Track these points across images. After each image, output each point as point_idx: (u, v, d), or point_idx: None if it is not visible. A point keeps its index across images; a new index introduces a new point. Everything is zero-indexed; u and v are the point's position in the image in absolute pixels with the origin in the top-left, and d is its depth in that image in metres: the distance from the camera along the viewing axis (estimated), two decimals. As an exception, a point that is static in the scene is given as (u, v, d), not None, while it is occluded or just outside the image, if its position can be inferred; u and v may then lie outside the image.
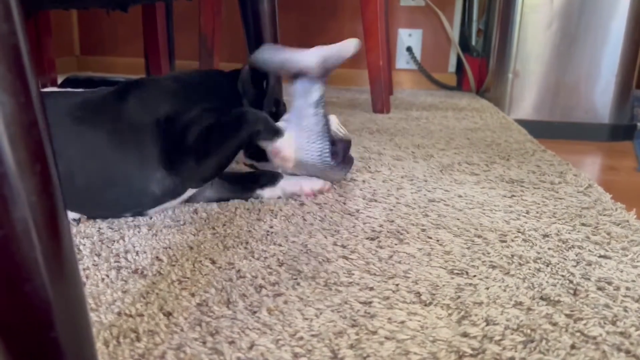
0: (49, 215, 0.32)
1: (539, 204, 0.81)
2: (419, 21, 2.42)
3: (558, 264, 0.60)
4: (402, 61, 2.47)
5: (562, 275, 0.57)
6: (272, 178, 0.81)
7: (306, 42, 2.58)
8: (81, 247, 0.62)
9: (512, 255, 0.62)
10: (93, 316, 0.48)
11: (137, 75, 2.33)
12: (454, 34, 2.41)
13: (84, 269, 0.57)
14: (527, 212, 0.77)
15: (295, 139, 0.78)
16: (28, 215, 0.31)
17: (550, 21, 1.85)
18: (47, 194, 0.32)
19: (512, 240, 0.67)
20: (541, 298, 0.53)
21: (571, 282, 0.56)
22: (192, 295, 0.52)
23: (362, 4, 1.66)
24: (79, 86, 2.10)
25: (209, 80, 0.84)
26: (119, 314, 0.49)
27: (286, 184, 0.81)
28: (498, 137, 1.34)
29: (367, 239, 0.67)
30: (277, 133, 0.78)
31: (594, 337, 0.46)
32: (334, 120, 0.85)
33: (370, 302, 0.51)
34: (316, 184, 0.82)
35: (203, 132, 0.71)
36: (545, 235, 0.69)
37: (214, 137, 0.72)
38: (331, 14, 2.45)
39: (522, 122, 1.73)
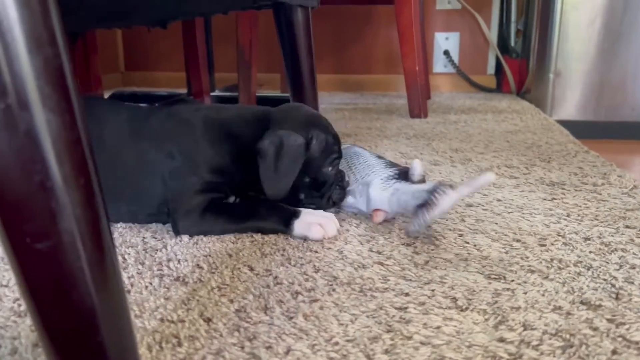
0: (93, 226, 0.34)
1: (580, 206, 0.79)
2: (455, 24, 2.40)
3: (600, 267, 0.59)
4: (439, 65, 2.45)
5: (604, 279, 0.56)
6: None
7: (341, 49, 2.60)
8: (126, 256, 0.65)
9: (552, 259, 0.61)
10: (137, 322, 0.50)
11: (179, 90, 2.40)
12: (492, 35, 2.38)
13: (128, 277, 0.59)
14: (568, 215, 0.76)
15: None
16: (74, 227, 0.33)
17: (592, 18, 1.80)
18: (91, 207, 0.34)
19: (552, 244, 0.66)
20: (581, 302, 0.52)
21: (613, 286, 0.55)
22: (231, 301, 0.54)
23: (397, 10, 1.66)
24: (123, 101, 2.18)
25: (244, 129, 0.75)
26: (161, 320, 0.50)
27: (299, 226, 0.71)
28: (539, 139, 1.31)
29: (403, 245, 0.67)
30: (286, 229, 0.70)
31: (637, 342, 0.45)
32: (418, 166, 0.76)
33: (406, 308, 0.52)
34: (330, 229, 0.71)
35: (207, 205, 0.71)
36: (587, 239, 0.67)
37: (214, 215, 0.71)
38: (366, 20, 2.46)
39: (565, 123, 1.69)
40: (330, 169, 0.75)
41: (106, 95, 2.15)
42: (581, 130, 1.73)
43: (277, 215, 0.71)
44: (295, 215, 0.70)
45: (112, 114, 0.76)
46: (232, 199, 0.77)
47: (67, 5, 0.74)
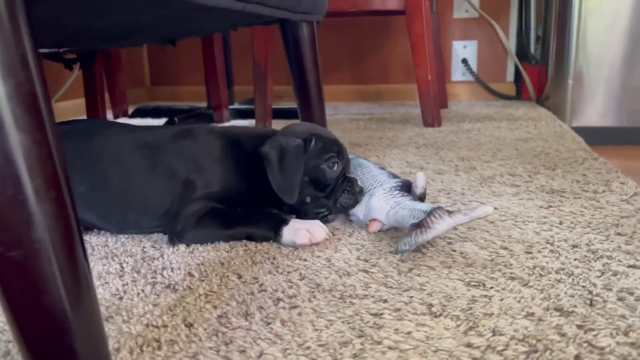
0: (64, 235, 0.37)
1: (575, 214, 0.79)
2: (473, 32, 2.40)
3: (581, 274, 0.59)
4: (458, 73, 2.45)
5: (583, 286, 0.56)
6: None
7: (359, 60, 2.62)
8: (124, 265, 0.68)
9: (535, 267, 0.62)
10: (124, 327, 0.53)
11: (200, 103, 2.45)
12: (510, 43, 2.36)
13: (123, 285, 0.62)
14: (561, 223, 0.76)
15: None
16: (45, 236, 0.36)
17: (611, 23, 1.78)
18: (62, 217, 0.37)
19: (539, 252, 0.66)
20: (555, 309, 0.52)
21: (590, 292, 0.55)
22: (215, 307, 0.56)
23: (408, 20, 1.67)
24: (147, 115, 2.24)
25: (251, 147, 0.79)
26: (146, 325, 0.53)
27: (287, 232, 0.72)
28: (549, 146, 1.30)
29: (390, 253, 0.69)
30: (275, 236, 0.73)
31: (602, 348, 0.45)
32: (422, 179, 0.77)
33: (381, 314, 0.53)
34: (317, 234, 0.72)
35: (205, 213, 0.74)
36: (575, 246, 0.67)
37: (210, 221, 0.74)
38: (383, 31, 2.48)
39: (585, 130, 1.67)
40: (328, 166, 0.78)
41: (130, 109, 2.22)
42: (602, 136, 1.71)
43: (267, 222, 0.74)
44: (285, 222, 0.73)
45: (123, 133, 0.81)
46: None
47: (75, 28, 0.79)
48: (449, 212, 0.66)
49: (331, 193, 0.78)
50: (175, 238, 0.74)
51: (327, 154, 0.78)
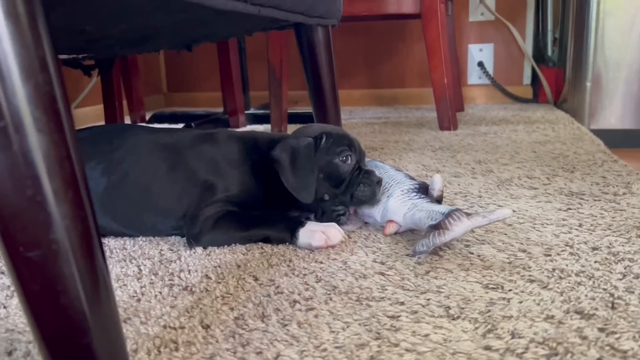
0: (82, 236, 0.37)
1: (595, 216, 0.78)
2: (489, 35, 2.39)
3: (602, 277, 0.58)
4: (474, 76, 2.43)
5: (604, 289, 0.55)
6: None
7: (375, 64, 2.62)
8: (142, 267, 0.69)
9: (554, 269, 0.61)
10: (141, 328, 0.53)
11: (216, 109, 2.47)
12: (527, 45, 2.35)
13: (141, 287, 0.63)
14: (580, 225, 0.75)
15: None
16: (63, 237, 0.36)
17: (630, 24, 1.76)
18: (80, 218, 0.37)
19: (558, 254, 0.65)
20: (575, 312, 0.51)
21: (612, 295, 0.54)
22: (231, 309, 0.56)
23: (424, 24, 1.67)
24: (164, 121, 2.26)
25: (266, 152, 0.79)
26: (164, 326, 0.53)
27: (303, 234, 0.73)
28: (567, 149, 1.29)
29: (407, 255, 0.68)
30: (291, 238, 0.73)
31: (625, 351, 0.44)
32: (439, 181, 0.76)
33: (398, 316, 0.53)
34: (333, 236, 0.72)
35: (222, 215, 0.75)
36: (595, 248, 0.66)
37: (227, 223, 0.74)
38: (399, 36, 2.47)
39: (604, 133, 1.65)
40: (341, 160, 0.77)
41: (148, 115, 2.25)
42: (621, 139, 1.68)
43: (284, 224, 0.74)
44: (301, 224, 0.73)
45: (143, 135, 0.82)
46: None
47: (93, 34, 0.80)
48: (467, 214, 0.66)
49: (347, 188, 0.77)
50: (192, 240, 0.75)
51: (339, 148, 0.77)
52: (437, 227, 0.66)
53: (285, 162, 0.75)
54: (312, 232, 0.71)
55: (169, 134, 0.84)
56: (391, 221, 0.76)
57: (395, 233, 0.76)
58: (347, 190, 0.77)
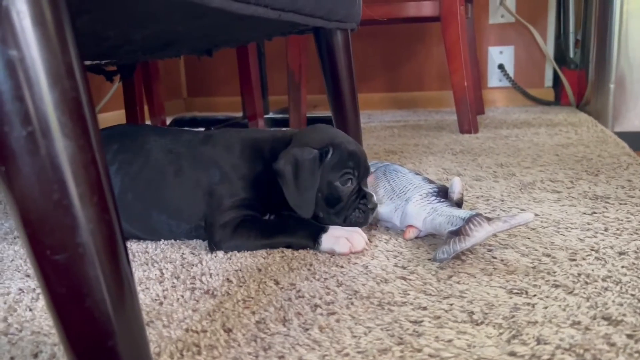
0: (107, 240, 0.38)
1: (621, 220, 0.77)
2: (509, 37, 2.36)
3: (629, 282, 0.57)
4: (494, 79, 2.41)
5: (632, 295, 0.54)
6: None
7: (393, 67, 2.61)
8: (164, 271, 0.69)
9: (579, 274, 0.60)
10: (164, 332, 0.53)
11: (235, 113, 2.48)
12: (548, 47, 2.32)
13: (163, 290, 0.63)
14: (606, 229, 0.73)
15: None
16: (89, 240, 0.37)
17: (655, 24, 1.73)
18: (105, 222, 0.38)
19: (583, 259, 0.64)
20: (603, 318, 0.50)
21: (640, 301, 0.53)
22: (253, 313, 0.56)
23: (443, 27, 1.66)
24: (184, 126, 2.29)
25: (276, 151, 0.78)
26: (186, 330, 0.54)
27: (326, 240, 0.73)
28: (591, 152, 1.27)
29: (428, 260, 0.68)
30: (314, 244, 0.73)
31: (655, 359, 0.43)
32: (458, 184, 0.77)
33: (421, 322, 0.52)
34: (357, 242, 0.72)
35: (240, 222, 0.75)
36: (622, 253, 0.65)
37: (246, 231, 0.75)
38: (418, 38, 2.46)
39: (629, 135, 1.62)
40: (341, 183, 0.76)
41: (168, 120, 2.27)
42: (646, 141, 1.65)
43: (306, 231, 0.74)
44: (324, 230, 0.72)
45: (158, 137, 0.83)
46: (266, 217, 0.80)
47: (115, 40, 0.81)
48: (488, 219, 0.65)
49: (342, 210, 0.76)
50: (214, 247, 0.75)
51: (342, 170, 0.75)
52: (457, 232, 0.65)
53: (289, 177, 0.73)
54: (336, 239, 0.71)
55: (175, 137, 0.83)
56: (411, 226, 0.75)
57: (416, 237, 0.76)
58: (341, 212, 0.76)
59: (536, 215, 0.82)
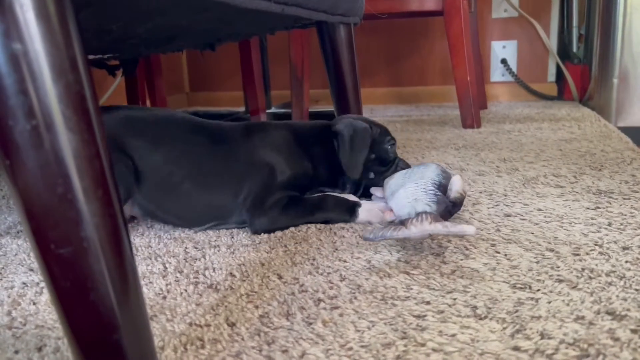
0: (111, 234, 0.38)
1: (625, 215, 0.76)
2: (513, 32, 2.35)
3: (633, 277, 0.57)
4: (497, 74, 2.40)
5: (636, 289, 0.54)
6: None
7: (396, 62, 2.60)
8: (167, 265, 0.69)
9: (583, 269, 0.60)
10: (167, 326, 0.53)
11: (238, 108, 2.48)
12: (552, 42, 2.31)
13: (166, 284, 0.63)
14: (610, 224, 0.73)
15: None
16: (93, 234, 0.37)
17: (659, 18, 1.72)
18: (109, 216, 0.38)
19: (587, 254, 0.64)
20: (607, 312, 0.50)
21: (644, 296, 0.53)
22: (256, 307, 0.56)
23: (446, 21, 1.65)
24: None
25: (313, 134, 0.90)
26: (190, 324, 0.54)
27: (363, 213, 0.82)
28: (594, 146, 1.26)
29: (432, 254, 0.67)
30: (350, 217, 0.82)
31: (659, 353, 0.43)
32: (457, 182, 0.77)
33: (424, 316, 0.52)
34: (387, 213, 0.78)
35: (287, 201, 0.81)
36: (626, 248, 0.65)
37: (293, 210, 0.81)
38: (421, 33, 2.45)
39: (632, 130, 1.61)
40: (389, 146, 0.90)
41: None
42: (650, 136, 1.65)
43: (343, 207, 0.82)
44: (359, 204, 0.82)
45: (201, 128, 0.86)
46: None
47: (118, 34, 0.81)
48: (435, 220, 0.65)
49: (388, 169, 0.90)
50: (260, 225, 0.79)
51: (387, 137, 0.91)
52: (402, 222, 0.67)
53: (347, 138, 0.86)
54: (370, 211, 0.81)
55: (219, 124, 0.88)
56: (391, 210, 0.75)
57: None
58: (388, 171, 0.90)
59: (539, 210, 0.82)
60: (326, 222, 0.82)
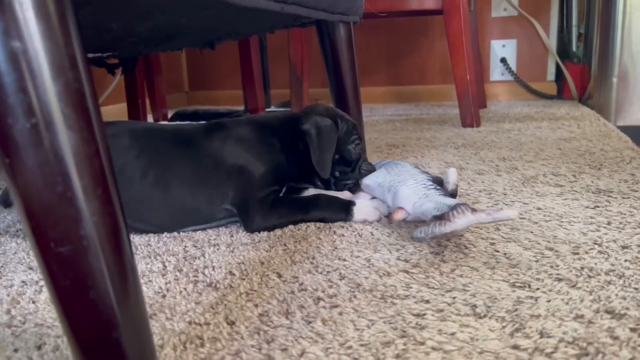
0: (111, 232, 0.38)
1: (624, 214, 0.76)
2: (512, 31, 2.35)
3: (633, 276, 0.57)
4: (496, 73, 2.40)
5: (635, 288, 0.54)
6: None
7: (396, 61, 2.60)
8: (166, 264, 0.69)
9: (582, 268, 0.60)
10: (167, 324, 0.53)
11: (238, 107, 2.48)
12: (551, 41, 2.31)
13: (166, 283, 0.63)
14: (609, 223, 0.73)
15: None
16: (93, 233, 0.37)
17: (659, 17, 1.72)
18: (109, 214, 0.38)
19: (586, 253, 0.64)
20: (606, 311, 0.50)
21: (643, 295, 0.53)
22: (256, 306, 0.56)
23: (446, 20, 1.65)
24: (186, 119, 2.29)
25: (279, 127, 0.88)
26: (189, 322, 0.54)
27: (357, 212, 0.82)
28: (594, 145, 1.26)
29: (431, 253, 0.68)
30: (346, 216, 0.82)
31: (658, 352, 0.43)
32: (453, 174, 0.78)
33: (424, 315, 0.52)
34: (382, 209, 0.83)
35: (275, 198, 0.82)
36: (625, 247, 0.65)
37: (285, 208, 0.81)
38: (421, 32, 2.45)
39: (632, 129, 1.62)
40: (353, 146, 0.88)
41: (170, 114, 2.26)
42: (649, 136, 1.65)
43: (337, 206, 0.82)
44: (353, 204, 0.82)
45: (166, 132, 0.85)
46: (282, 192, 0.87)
47: (118, 32, 0.81)
48: (473, 210, 0.65)
49: (353, 169, 0.89)
50: (254, 225, 0.79)
51: (352, 137, 0.89)
52: (440, 217, 0.66)
53: (314, 137, 0.84)
54: (365, 210, 0.81)
55: (182, 126, 0.87)
56: (401, 208, 0.75)
57: (403, 220, 0.76)
58: (354, 170, 0.89)
59: (539, 209, 0.82)
60: (322, 220, 0.82)
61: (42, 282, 0.65)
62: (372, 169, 0.89)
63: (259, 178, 0.81)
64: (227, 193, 0.80)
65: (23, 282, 0.65)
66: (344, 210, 0.81)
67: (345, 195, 0.88)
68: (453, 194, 0.75)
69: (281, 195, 0.85)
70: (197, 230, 0.82)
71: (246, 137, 0.84)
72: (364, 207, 0.82)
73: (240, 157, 0.82)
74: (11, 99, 0.33)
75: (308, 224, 0.81)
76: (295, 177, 0.88)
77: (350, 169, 0.89)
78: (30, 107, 0.34)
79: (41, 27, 0.34)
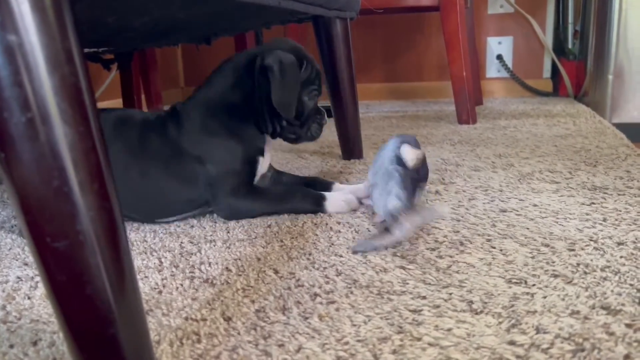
0: (107, 227, 0.38)
1: (620, 210, 0.77)
2: (508, 28, 2.36)
3: (628, 272, 0.57)
4: (492, 70, 2.41)
5: (630, 284, 0.54)
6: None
7: (392, 58, 2.60)
8: (163, 260, 0.69)
9: (578, 264, 0.60)
10: (163, 320, 0.53)
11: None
12: (547, 38, 2.31)
13: (162, 279, 0.63)
14: (605, 220, 0.73)
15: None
16: (89, 228, 0.36)
17: (654, 16, 1.72)
18: (105, 209, 0.38)
19: (582, 249, 0.64)
20: (602, 307, 0.50)
21: (639, 290, 0.53)
22: (252, 302, 0.56)
23: (442, 17, 1.65)
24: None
25: (223, 100, 0.85)
26: (186, 318, 0.54)
27: (329, 203, 0.84)
28: (589, 142, 1.27)
29: (428, 249, 0.68)
30: (318, 207, 0.83)
31: (653, 348, 0.44)
32: (405, 152, 0.79)
33: (420, 310, 0.52)
34: (352, 203, 0.84)
35: (252, 192, 0.82)
36: (620, 243, 0.65)
37: (257, 199, 0.82)
38: (417, 29, 2.45)
39: (627, 126, 1.62)
40: (309, 98, 0.84)
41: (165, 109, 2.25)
42: (644, 133, 1.65)
43: (310, 198, 0.83)
44: (323, 197, 0.83)
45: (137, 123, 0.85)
46: (261, 171, 0.87)
47: (114, 27, 0.80)
48: (412, 214, 0.68)
49: (305, 122, 0.85)
50: (222, 213, 0.82)
51: (310, 87, 0.84)
52: (386, 229, 0.69)
53: (276, 73, 0.78)
54: (337, 202, 0.83)
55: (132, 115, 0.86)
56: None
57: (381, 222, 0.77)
58: (303, 124, 0.85)
59: (535, 205, 0.82)
60: (294, 212, 0.83)
61: (37, 278, 0.64)
62: (320, 133, 0.86)
63: (219, 170, 0.81)
64: (197, 184, 0.81)
65: (18, 278, 0.65)
66: (315, 203, 0.83)
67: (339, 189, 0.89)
68: (417, 170, 0.77)
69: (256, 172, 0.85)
70: (171, 221, 0.84)
71: (198, 124, 0.82)
72: (335, 200, 0.83)
73: (193, 147, 0.81)
74: (7, 93, 0.33)
75: (305, 219, 0.81)
76: (253, 140, 0.84)
77: (299, 123, 0.84)
78: (26, 101, 0.34)
79: (37, 21, 0.33)
